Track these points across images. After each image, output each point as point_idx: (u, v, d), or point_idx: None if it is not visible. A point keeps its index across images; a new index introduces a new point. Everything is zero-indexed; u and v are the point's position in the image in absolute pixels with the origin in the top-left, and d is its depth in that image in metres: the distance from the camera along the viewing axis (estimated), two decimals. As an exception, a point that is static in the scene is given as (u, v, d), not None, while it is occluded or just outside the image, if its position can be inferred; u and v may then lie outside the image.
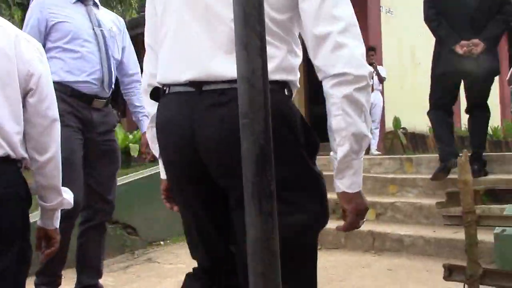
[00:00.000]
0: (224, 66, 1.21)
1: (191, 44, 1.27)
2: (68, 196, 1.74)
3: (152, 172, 4.70)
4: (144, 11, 1.50)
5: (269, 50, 0.79)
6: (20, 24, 6.58)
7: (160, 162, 1.50)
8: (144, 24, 1.47)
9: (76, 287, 2.84)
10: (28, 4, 2.88)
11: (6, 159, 1.53)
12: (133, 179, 4.50)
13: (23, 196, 1.60)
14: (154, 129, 1.42)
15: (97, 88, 2.72)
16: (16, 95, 1.55)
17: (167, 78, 1.34)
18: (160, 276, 3.58)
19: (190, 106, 1.27)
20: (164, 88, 1.36)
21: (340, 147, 1.21)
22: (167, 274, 3.58)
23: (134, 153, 6.80)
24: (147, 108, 1.53)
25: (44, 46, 2.58)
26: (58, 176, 1.67)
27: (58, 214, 1.74)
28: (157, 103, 1.40)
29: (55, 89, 2.34)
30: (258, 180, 0.66)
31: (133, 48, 3.07)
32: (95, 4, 2.85)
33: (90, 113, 2.73)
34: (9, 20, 6.50)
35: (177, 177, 1.40)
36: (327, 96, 1.22)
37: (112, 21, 2.91)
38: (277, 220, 0.68)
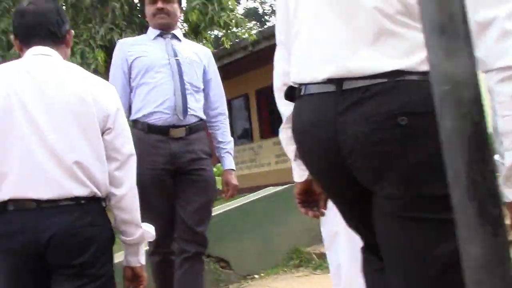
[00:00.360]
0: (367, 60, 1.07)
1: (329, 37, 1.14)
2: (148, 228, 1.77)
3: (242, 203, 4.56)
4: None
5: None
6: (104, 65, 6.80)
7: (295, 164, 1.43)
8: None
9: None
10: (111, 46, 2.92)
11: (92, 198, 1.57)
12: (222, 210, 4.37)
13: (108, 235, 1.63)
14: (289, 130, 1.34)
15: (170, 117, 2.62)
16: (97, 135, 1.60)
17: (303, 76, 1.22)
18: (258, 311, 3.37)
19: (330, 107, 1.12)
20: (300, 88, 1.23)
21: (508, 151, 0.98)
22: (266, 309, 3.37)
23: (219, 185, 6.74)
24: (281, 109, 1.46)
25: (130, 86, 2.69)
26: (136, 209, 1.70)
27: (143, 250, 1.75)
28: (293, 104, 1.31)
29: (134, 127, 2.36)
30: (475, 173, 0.44)
31: (220, 82, 2.94)
32: (175, 37, 2.81)
33: (169, 145, 2.62)
34: (93, 62, 6.75)
35: (323, 184, 1.31)
36: (491, 93, 1.00)
37: (193, 52, 2.83)
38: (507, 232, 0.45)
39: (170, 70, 2.66)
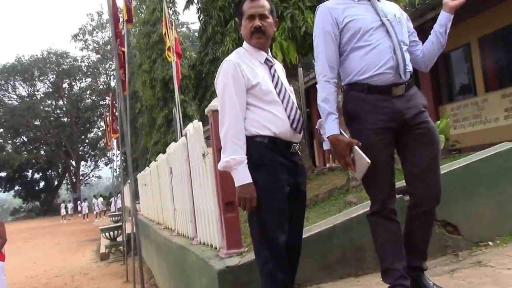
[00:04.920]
0: None
1: None
2: None
3: (471, 161, 4.04)
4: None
5: None
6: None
7: None
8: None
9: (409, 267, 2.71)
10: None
11: None
12: (447, 170, 3.92)
13: None
14: None
15: (393, 77, 2.62)
16: None
17: None
18: (498, 284, 2.91)
19: None
20: None
21: None
22: (508, 282, 2.90)
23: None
24: None
25: (341, 54, 2.70)
26: None
27: None
28: None
29: (350, 90, 2.65)
30: None
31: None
32: None
33: (392, 103, 2.63)
34: (303, 24, 6.71)
35: None
36: None
37: (395, 11, 2.79)
38: None
39: (384, 31, 2.64)
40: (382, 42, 2.62)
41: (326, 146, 14.46)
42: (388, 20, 2.67)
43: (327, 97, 2.64)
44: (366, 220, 2.76)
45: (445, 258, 3.66)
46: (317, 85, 2.69)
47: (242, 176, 2.46)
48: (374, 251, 3.43)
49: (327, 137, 2.61)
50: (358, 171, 2.61)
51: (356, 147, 2.58)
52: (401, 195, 3.62)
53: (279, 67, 2.81)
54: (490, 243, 3.80)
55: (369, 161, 2.54)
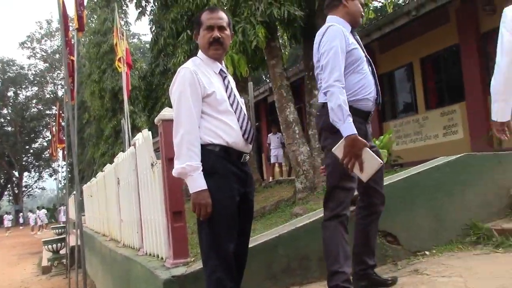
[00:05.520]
0: None
1: None
2: None
3: (410, 174, 4.24)
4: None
5: None
6: (264, 41, 6.87)
7: None
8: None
9: (361, 268, 3.18)
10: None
11: None
12: (388, 182, 4.10)
13: None
14: None
15: (372, 105, 3.07)
16: None
17: None
18: (433, 290, 3.08)
19: None
20: None
21: None
22: (441, 289, 3.07)
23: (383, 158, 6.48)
24: None
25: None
26: None
27: None
28: None
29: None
30: None
31: None
32: None
33: (365, 127, 3.08)
34: (254, 38, 6.83)
35: None
36: None
37: None
38: None
39: (368, 64, 3.09)
40: (368, 74, 3.04)
41: (274, 159, 14.67)
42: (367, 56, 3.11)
43: (345, 101, 2.82)
44: (312, 230, 2.89)
45: (385, 267, 3.80)
46: (331, 90, 2.82)
47: (198, 183, 2.47)
48: (319, 260, 3.56)
49: (346, 136, 2.76)
50: (366, 172, 2.78)
51: (368, 149, 2.78)
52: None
53: (231, 79, 2.87)
54: (427, 252, 3.99)
55: (381, 162, 2.82)
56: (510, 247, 3.76)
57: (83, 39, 26.64)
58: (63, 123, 14.48)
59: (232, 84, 2.81)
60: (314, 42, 3.08)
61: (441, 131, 11.00)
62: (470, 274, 3.24)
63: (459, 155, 4.42)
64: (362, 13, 3.18)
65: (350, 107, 2.85)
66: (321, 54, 2.95)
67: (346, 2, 3.11)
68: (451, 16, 10.50)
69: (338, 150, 2.81)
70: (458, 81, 10.42)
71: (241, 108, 2.70)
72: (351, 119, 2.79)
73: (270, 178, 14.66)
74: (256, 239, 3.75)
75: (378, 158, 2.82)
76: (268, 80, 15.29)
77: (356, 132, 2.77)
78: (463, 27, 10.20)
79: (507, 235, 3.90)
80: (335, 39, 2.91)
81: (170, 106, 2.92)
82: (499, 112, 2.96)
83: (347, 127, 2.77)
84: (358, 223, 3.23)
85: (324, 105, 2.95)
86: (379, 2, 10.30)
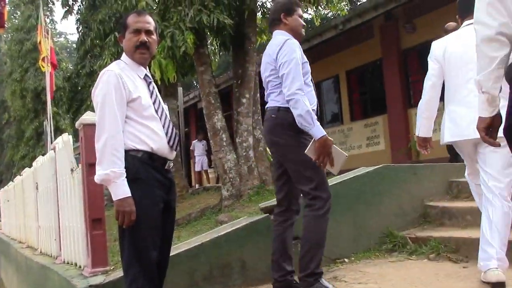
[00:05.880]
0: None
1: None
2: None
3: (331, 184, 4.36)
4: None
5: None
6: (193, 47, 6.85)
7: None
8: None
9: (280, 275, 3.28)
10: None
11: None
12: (311, 191, 4.19)
13: None
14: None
15: (315, 114, 3.20)
16: None
17: None
18: (349, 297, 3.19)
19: None
20: None
21: None
22: (357, 295, 3.17)
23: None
24: (493, 54, 1.70)
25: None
26: None
27: None
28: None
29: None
30: None
31: None
32: None
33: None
34: (182, 44, 6.80)
35: None
36: None
37: None
38: None
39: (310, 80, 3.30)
40: (313, 87, 3.30)
41: (199, 167, 14.61)
42: None
43: (309, 106, 3.06)
44: (234, 238, 2.89)
45: (305, 274, 3.88)
46: (295, 98, 3.04)
47: (122, 190, 2.39)
48: (241, 268, 3.59)
49: (319, 138, 2.98)
50: (336, 166, 3.11)
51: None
52: (268, 214, 3.82)
53: (155, 85, 2.83)
54: (346, 259, 4.11)
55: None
56: (422, 254, 3.95)
57: (4, 36, 25.39)
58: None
59: (156, 90, 2.77)
60: (267, 52, 3.27)
61: (365, 142, 11.42)
62: (385, 281, 3.38)
63: (377, 166, 4.60)
64: (303, 24, 3.36)
65: None
66: (281, 63, 3.11)
67: (286, 19, 3.29)
68: (375, 32, 10.96)
69: (310, 151, 3.03)
70: (381, 94, 10.88)
71: (166, 114, 2.67)
72: (318, 122, 3.06)
73: (197, 185, 14.60)
74: (179, 247, 3.71)
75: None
76: (198, 86, 15.24)
77: (326, 133, 3.03)
78: (386, 43, 10.68)
79: (420, 243, 4.09)
80: (295, 51, 3.12)
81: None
82: (421, 128, 3.40)
83: (318, 130, 3.01)
84: (275, 229, 3.36)
85: (280, 108, 3.17)
86: (309, 14, 10.52)
